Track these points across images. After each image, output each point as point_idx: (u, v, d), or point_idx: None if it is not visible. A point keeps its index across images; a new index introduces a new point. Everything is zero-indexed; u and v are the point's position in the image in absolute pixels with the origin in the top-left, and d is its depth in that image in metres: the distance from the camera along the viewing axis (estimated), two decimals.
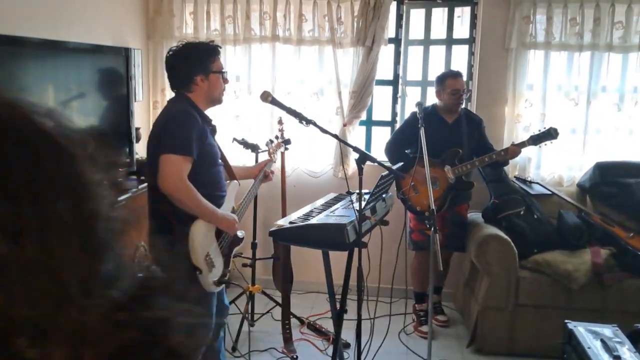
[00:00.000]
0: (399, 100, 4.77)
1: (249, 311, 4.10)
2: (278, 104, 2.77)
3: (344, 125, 4.56)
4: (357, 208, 2.58)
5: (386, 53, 4.66)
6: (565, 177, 4.51)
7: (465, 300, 4.22)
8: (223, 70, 2.71)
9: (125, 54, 3.33)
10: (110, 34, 3.98)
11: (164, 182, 2.41)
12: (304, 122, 2.69)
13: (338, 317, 2.97)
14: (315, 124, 2.71)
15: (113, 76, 3.30)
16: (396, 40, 4.68)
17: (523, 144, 3.92)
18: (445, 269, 4.37)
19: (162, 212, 2.53)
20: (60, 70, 2.96)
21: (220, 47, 2.79)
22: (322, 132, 2.71)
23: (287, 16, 4.56)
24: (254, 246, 4.07)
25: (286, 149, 3.68)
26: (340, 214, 2.78)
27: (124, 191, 2.96)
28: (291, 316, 4.00)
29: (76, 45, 3.01)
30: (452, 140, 4.01)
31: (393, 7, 4.59)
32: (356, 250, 2.66)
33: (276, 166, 4.23)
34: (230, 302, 4.19)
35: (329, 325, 4.08)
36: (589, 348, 2.66)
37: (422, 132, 3.45)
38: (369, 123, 4.85)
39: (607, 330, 2.83)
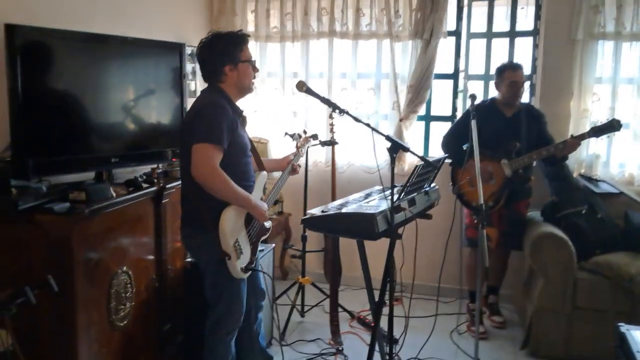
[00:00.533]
0: (459, 94, 4.65)
1: (298, 302, 4.15)
2: (313, 93, 2.78)
3: (400, 120, 4.51)
4: (390, 198, 2.54)
5: (446, 46, 4.57)
6: (637, 175, 4.23)
7: (523, 302, 4.06)
8: (252, 59, 2.73)
9: (179, 49, 3.46)
10: (174, 32, 4.17)
11: (197, 170, 2.47)
12: (338, 112, 2.69)
13: (376, 309, 2.94)
14: (348, 113, 2.70)
15: (170, 72, 3.44)
16: (457, 33, 4.58)
17: (582, 136, 3.73)
18: (503, 268, 4.23)
19: (194, 200, 2.61)
20: (123, 66, 3.13)
21: (249, 36, 2.78)
22: (355, 122, 2.69)
23: (345, 11, 4.57)
24: (303, 239, 4.11)
25: (317, 143, 3.66)
26: (374, 205, 2.76)
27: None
28: (340, 309, 4.01)
29: (134, 40, 3.17)
30: (510, 134, 3.87)
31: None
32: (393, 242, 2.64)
33: (302, 160, 4.31)
34: (282, 293, 4.29)
35: (381, 322, 4.05)
36: (638, 352, 2.49)
37: (473, 124, 3.34)
38: (428, 118, 4.77)
39: None
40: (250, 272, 2.70)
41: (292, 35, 4.71)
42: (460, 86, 4.64)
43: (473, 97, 3.57)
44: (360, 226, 2.57)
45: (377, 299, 2.97)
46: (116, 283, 2.78)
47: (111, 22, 3.44)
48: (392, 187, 2.58)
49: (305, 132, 3.54)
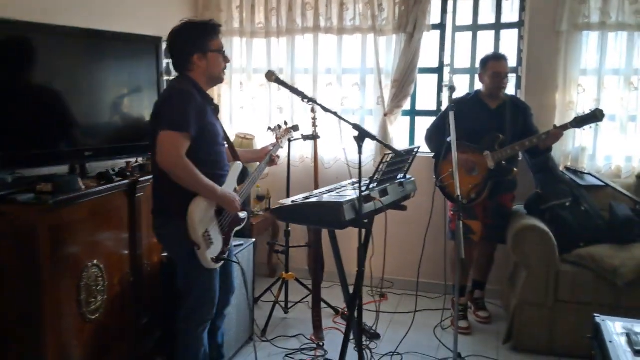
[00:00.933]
0: (444, 88, 4.61)
1: (282, 299, 4.13)
2: (282, 83, 2.78)
3: (385, 115, 4.48)
4: (358, 188, 2.53)
5: (431, 40, 4.54)
6: (624, 168, 4.18)
7: (508, 297, 4.02)
8: (222, 49, 2.71)
9: (156, 43, 3.46)
10: (158, 27, 4.15)
11: (162, 158, 2.45)
12: (306, 101, 2.68)
13: (350, 303, 2.91)
14: (316, 102, 2.69)
15: (146, 66, 3.44)
16: (441, 27, 4.55)
17: (565, 127, 3.70)
18: (488, 262, 4.20)
19: (164, 190, 2.61)
20: (100, 61, 3.14)
21: (220, 26, 2.75)
22: (324, 111, 2.67)
23: (329, 6, 4.55)
24: (287, 234, 4.08)
25: (295, 137, 3.63)
26: (344, 194, 2.73)
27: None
28: (324, 305, 3.98)
29: (110, 34, 3.18)
30: (494, 126, 3.84)
31: None
32: (361, 231, 2.61)
33: (284, 153, 4.29)
34: (267, 290, 4.27)
35: (366, 317, 4.01)
36: (610, 342, 2.45)
37: (451, 115, 3.31)
38: (413, 113, 4.74)
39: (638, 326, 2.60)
40: (221, 262, 2.68)
41: (277, 31, 4.70)
42: (446, 80, 4.61)
43: (452, 88, 3.53)
44: (327, 215, 2.55)
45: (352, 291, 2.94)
46: (86, 276, 2.77)
47: (90, 16, 3.44)
48: (360, 176, 2.57)
49: (286, 123, 3.53)
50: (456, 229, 3.08)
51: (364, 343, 3.38)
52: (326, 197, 2.71)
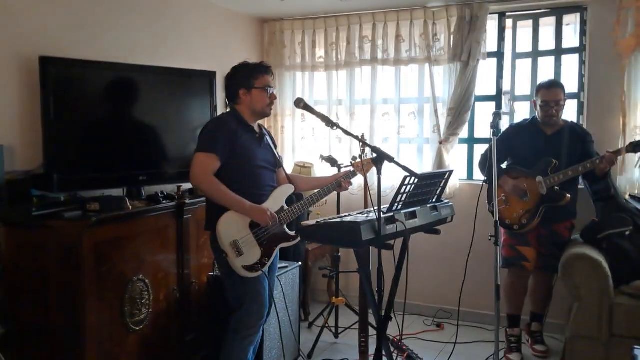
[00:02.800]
0: (503, 116, 4.54)
1: (328, 324, 4.18)
2: (309, 109, 2.93)
3: (440, 142, 4.49)
4: (377, 208, 2.59)
5: (489, 68, 4.52)
6: None
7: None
8: (267, 87, 2.96)
9: (210, 77, 3.75)
10: (226, 64, 4.50)
11: (192, 175, 2.78)
12: (330, 126, 2.80)
13: (380, 325, 2.93)
14: (339, 127, 2.80)
15: (201, 98, 3.74)
16: (499, 54, 4.51)
17: (619, 152, 3.52)
18: (546, 294, 4.02)
19: (208, 207, 2.93)
20: (154, 93, 3.49)
21: (269, 67, 3.04)
22: (345, 134, 2.78)
23: (386, 38, 4.67)
24: (336, 259, 4.16)
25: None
26: (369, 217, 2.78)
27: None
28: (372, 331, 3.98)
29: (165, 69, 3.53)
30: (549, 152, 3.73)
31: (494, 20, 4.47)
32: (380, 252, 2.66)
33: (358, 182, 4.37)
34: (319, 315, 4.35)
35: (418, 346, 3.99)
36: None
37: (494, 141, 3.28)
38: (471, 140, 4.70)
39: None
40: (257, 272, 2.83)
41: (336, 64, 4.88)
42: (504, 107, 4.54)
43: (497, 114, 3.50)
44: (346, 235, 2.62)
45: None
46: (131, 289, 3.01)
47: (162, 55, 3.83)
48: (379, 198, 2.62)
49: (362, 154, 3.41)
50: (495, 254, 3.04)
51: None
52: (350, 218, 2.78)
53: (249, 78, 2.94)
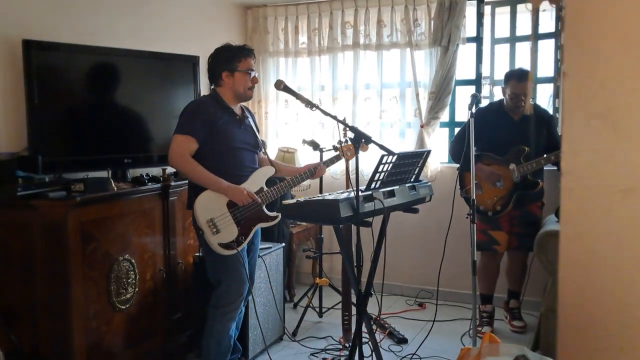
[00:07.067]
0: (482, 100, 4.64)
1: (312, 303, 4.27)
2: (290, 91, 2.99)
3: (422, 126, 4.57)
4: (355, 186, 2.66)
5: (470, 53, 4.61)
6: None
7: None
8: (249, 70, 3.01)
9: (193, 61, 3.80)
10: (209, 49, 4.54)
11: (169, 156, 2.86)
12: (310, 107, 2.87)
13: (359, 300, 3.02)
14: (318, 108, 2.87)
15: (184, 82, 3.79)
16: (477, 39, 4.60)
17: None
18: (522, 272, 4.13)
19: (189, 187, 3.02)
20: (137, 77, 3.53)
21: (252, 50, 3.09)
22: (324, 115, 2.86)
23: (367, 23, 4.74)
24: (319, 241, 4.25)
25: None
26: (349, 195, 2.86)
27: None
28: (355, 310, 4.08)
29: (148, 53, 3.57)
30: (518, 137, 3.82)
31: (473, 6, 4.55)
32: (359, 229, 2.75)
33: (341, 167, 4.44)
34: (304, 295, 4.44)
35: (400, 324, 4.10)
36: None
37: (471, 122, 3.37)
38: (452, 124, 4.79)
39: None
40: (232, 250, 2.91)
41: (319, 49, 4.94)
42: (484, 92, 4.63)
43: (474, 96, 3.59)
44: (325, 212, 2.69)
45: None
46: (117, 268, 3.08)
47: (146, 40, 3.86)
48: (357, 176, 2.70)
49: (346, 139, 3.43)
50: (471, 234, 3.15)
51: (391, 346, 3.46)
52: (330, 197, 2.85)
53: (232, 61, 2.99)
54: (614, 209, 0.73)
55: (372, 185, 2.83)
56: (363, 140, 2.73)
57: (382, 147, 2.71)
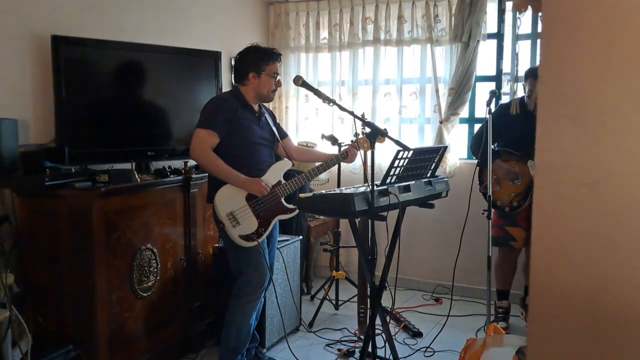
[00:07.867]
0: (503, 96, 4.64)
1: (328, 296, 4.34)
2: (307, 86, 3.05)
3: (441, 122, 4.60)
4: (370, 181, 2.72)
5: (490, 49, 4.61)
6: None
7: None
8: (275, 74, 3.09)
9: (215, 57, 3.89)
10: (232, 45, 4.64)
11: (191, 150, 2.94)
12: (327, 102, 2.93)
13: (373, 292, 3.07)
14: (335, 103, 2.93)
15: (206, 76, 3.88)
16: (499, 36, 4.60)
17: None
18: None
19: (209, 181, 3.10)
20: (161, 71, 3.63)
21: (280, 54, 3.17)
22: (341, 110, 2.91)
23: (388, 19, 4.77)
24: (337, 234, 4.31)
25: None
26: (365, 190, 2.90)
27: None
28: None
29: (170, 49, 3.66)
30: None
31: (494, 3, 4.55)
32: (373, 223, 2.80)
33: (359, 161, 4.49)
34: (321, 287, 4.52)
35: (415, 319, 4.14)
36: None
37: (489, 119, 3.41)
38: (472, 120, 4.80)
39: None
40: (253, 242, 2.99)
41: (339, 45, 4.98)
42: (504, 88, 4.63)
43: (493, 92, 3.63)
44: (340, 206, 2.75)
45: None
46: (139, 257, 3.18)
47: (170, 36, 3.95)
48: (372, 170, 2.76)
49: (363, 132, 3.35)
50: (488, 228, 3.19)
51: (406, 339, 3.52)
52: (347, 191, 2.91)
53: (261, 63, 3.07)
54: (581, 201, 0.79)
55: (388, 180, 2.89)
56: (379, 135, 2.78)
57: (398, 142, 2.76)
